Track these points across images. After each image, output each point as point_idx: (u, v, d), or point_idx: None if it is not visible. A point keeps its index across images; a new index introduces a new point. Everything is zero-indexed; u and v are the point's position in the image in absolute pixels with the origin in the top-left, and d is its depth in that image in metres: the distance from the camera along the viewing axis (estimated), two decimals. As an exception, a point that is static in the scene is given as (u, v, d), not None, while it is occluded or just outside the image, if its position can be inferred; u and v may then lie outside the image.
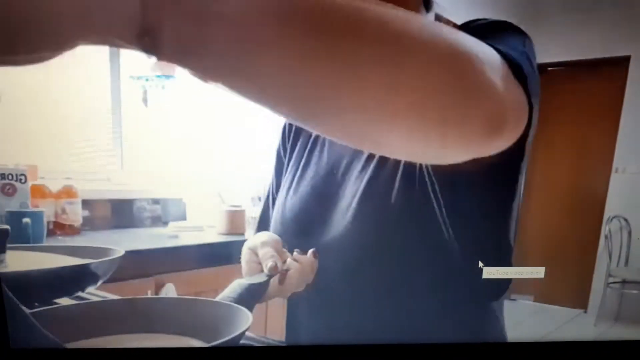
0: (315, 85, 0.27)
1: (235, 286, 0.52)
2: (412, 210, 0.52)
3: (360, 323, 0.57)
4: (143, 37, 0.24)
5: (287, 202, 0.61)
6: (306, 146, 0.64)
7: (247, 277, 0.54)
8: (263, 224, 0.72)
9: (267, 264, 0.51)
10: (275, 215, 0.62)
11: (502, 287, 0.54)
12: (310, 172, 0.61)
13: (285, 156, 0.67)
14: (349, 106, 0.27)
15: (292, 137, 0.67)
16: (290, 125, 0.68)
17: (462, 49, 0.30)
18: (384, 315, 0.57)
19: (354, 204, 0.55)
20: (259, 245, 0.54)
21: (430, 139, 0.31)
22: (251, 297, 0.50)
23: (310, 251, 0.53)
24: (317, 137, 0.63)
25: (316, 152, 0.63)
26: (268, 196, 0.71)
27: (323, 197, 0.58)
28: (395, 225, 0.54)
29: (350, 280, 0.56)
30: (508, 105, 0.32)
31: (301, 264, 0.52)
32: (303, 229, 0.58)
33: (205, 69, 0.26)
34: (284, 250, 0.54)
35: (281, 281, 0.51)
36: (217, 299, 0.52)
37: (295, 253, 0.53)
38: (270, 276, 0.50)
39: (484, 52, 0.32)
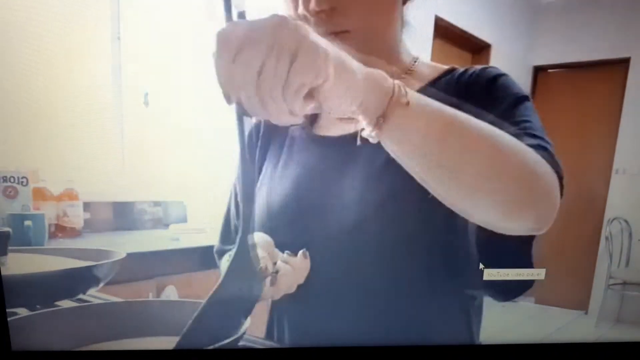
0: (451, 187, 0.42)
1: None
2: (410, 208, 0.52)
3: (350, 323, 0.57)
4: (379, 119, 0.39)
5: (271, 199, 0.60)
6: (283, 144, 0.64)
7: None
8: (227, 231, 0.71)
9: (257, 267, 0.51)
10: (256, 215, 0.62)
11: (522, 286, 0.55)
12: (294, 169, 0.61)
13: (253, 158, 0.67)
14: (473, 201, 0.43)
15: (261, 138, 0.66)
16: (258, 128, 0.67)
17: (534, 174, 0.43)
18: (375, 316, 0.57)
19: (349, 200, 0.55)
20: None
21: (505, 227, 0.45)
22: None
23: (300, 252, 0.53)
24: (296, 134, 0.63)
25: (297, 149, 0.62)
26: (230, 202, 0.70)
27: (313, 192, 0.58)
28: (390, 223, 0.54)
29: (343, 277, 0.55)
30: (556, 206, 0.45)
31: (292, 265, 0.52)
32: (291, 225, 0.57)
33: (399, 148, 0.41)
34: (276, 251, 0.54)
35: (272, 283, 0.51)
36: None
37: (285, 254, 0.53)
38: (260, 278, 0.51)
39: (545, 171, 0.44)
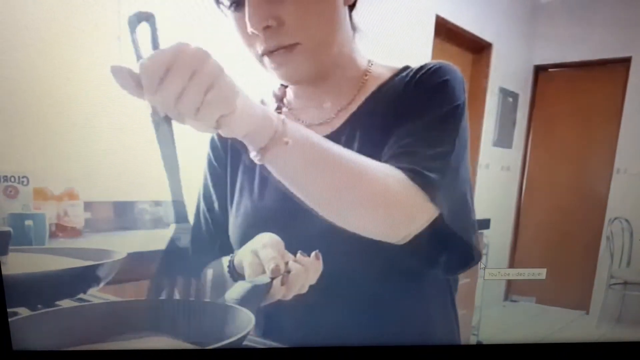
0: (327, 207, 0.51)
1: (238, 288, 0.52)
2: None
3: (347, 323, 0.58)
4: (261, 150, 0.47)
5: (256, 209, 0.61)
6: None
7: (249, 279, 0.54)
8: (197, 241, 0.69)
9: (270, 266, 0.51)
10: (241, 222, 0.62)
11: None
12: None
13: (225, 167, 0.67)
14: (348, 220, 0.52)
15: (230, 148, 0.67)
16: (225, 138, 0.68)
17: (394, 199, 0.51)
18: (370, 315, 0.57)
19: None
20: (260, 247, 0.54)
21: (381, 234, 0.53)
22: (254, 298, 0.50)
23: (313, 253, 0.53)
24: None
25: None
26: (200, 215, 0.70)
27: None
28: None
29: (336, 278, 0.56)
30: (417, 215, 0.53)
31: (304, 266, 0.52)
32: (283, 229, 0.57)
33: (279, 175, 0.49)
34: (286, 252, 0.54)
35: (284, 283, 0.51)
36: (220, 300, 0.52)
37: (298, 255, 0.54)
38: (272, 278, 0.51)
39: (406, 193, 0.51)
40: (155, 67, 0.39)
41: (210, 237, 0.70)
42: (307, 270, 0.52)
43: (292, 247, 0.54)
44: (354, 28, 0.61)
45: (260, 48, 0.55)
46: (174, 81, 0.39)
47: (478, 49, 2.34)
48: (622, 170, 2.46)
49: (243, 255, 0.56)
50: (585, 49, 2.44)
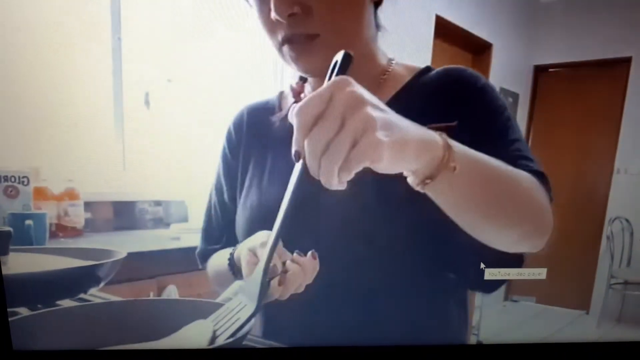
0: (480, 224, 0.49)
1: (236, 287, 0.52)
2: (405, 208, 0.53)
3: (350, 323, 0.57)
4: (426, 179, 0.43)
5: (263, 198, 0.61)
6: (269, 145, 0.64)
7: (246, 278, 0.53)
8: (209, 232, 0.71)
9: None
10: (248, 214, 0.62)
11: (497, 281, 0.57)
12: (284, 167, 0.61)
13: (237, 159, 0.67)
14: (496, 235, 0.50)
15: (245, 140, 0.67)
16: (239, 129, 0.68)
17: (542, 205, 0.50)
18: (373, 315, 0.57)
19: (343, 199, 0.55)
20: (258, 246, 0.54)
21: (514, 249, 0.53)
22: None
23: (310, 252, 0.53)
24: (284, 128, 0.63)
25: (285, 146, 0.62)
26: (211, 203, 0.71)
27: (318, 192, 0.58)
28: (387, 222, 0.54)
29: (340, 276, 0.56)
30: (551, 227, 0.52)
31: (301, 265, 0.52)
32: (305, 225, 0.57)
33: (441, 200, 0.46)
34: (284, 250, 0.54)
35: (281, 282, 0.51)
36: (218, 300, 0.52)
37: (295, 254, 0.53)
38: (270, 278, 0.50)
39: (544, 198, 0.51)
40: (307, 115, 0.37)
41: (219, 228, 0.70)
42: (304, 270, 0.52)
43: (297, 244, 0.54)
44: (377, 26, 0.60)
45: (281, 35, 0.54)
46: (321, 134, 0.36)
47: (478, 49, 2.34)
48: (622, 170, 2.46)
49: (241, 252, 0.56)
50: (585, 49, 2.44)
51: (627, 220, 2.45)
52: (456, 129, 0.50)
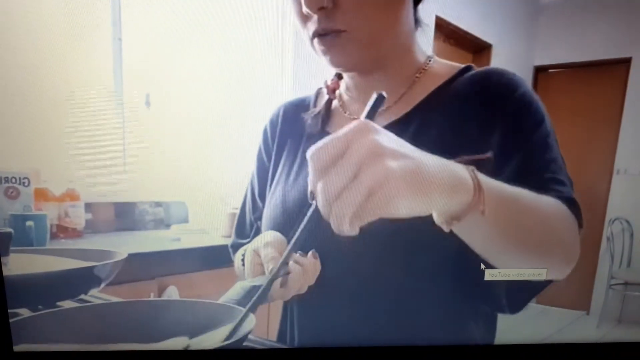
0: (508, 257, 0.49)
1: (238, 288, 0.52)
2: (433, 236, 0.52)
3: (367, 322, 0.57)
4: (452, 220, 0.42)
5: (286, 195, 0.61)
6: (300, 143, 0.64)
7: (249, 279, 0.53)
8: (241, 226, 0.72)
9: (269, 267, 0.51)
10: (271, 212, 0.62)
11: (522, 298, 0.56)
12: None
13: (270, 157, 0.67)
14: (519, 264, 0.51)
15: (278, 137, 0.67)
16: (274, 126, 0.68)
17: (569, 238, 0.50)
18: (391, 316, 0.57)
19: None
20: (261, 247, 0.54)
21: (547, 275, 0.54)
22: (252, 299, 0.50)
23: (310, 252, 0.53)
24: (312, 133, 0.63)
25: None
26: (246, 197, 0.71)
27: None
28: (401, 225, 0.54)
29: (358, 275, 0.55)
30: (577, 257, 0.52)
31: (303, 266, 0.52)
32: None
33: (466, 237, 0.45)
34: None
35: (283, 284, 0.51)
36: (220, 301, 0.52)
37: (297, 255, 0.53)
38: (272, 279, 0.50)
39: (574, 229, 0.50)
40: (322, 158, 0.36)
41: (249, 224, 0.71)
42: (306, 271, 0.52)
43: (317, 247, 0.54)
44: (417, 22, 0.58)
45: (311, 29, 0.53)
46: (335, 180, 0.35)
47: (478, 50, 2.34)
48: (622, 170, 2.46)
49: (247, 251, 0.56)
50: (585, 49, 2.44)
51: (627, 221, 2.45)
52: (491, 161, 0.48)
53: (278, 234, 0.55)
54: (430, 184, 0.37)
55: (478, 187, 0.40)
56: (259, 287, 0.50)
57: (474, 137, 0.52)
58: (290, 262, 0.52)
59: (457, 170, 0.41)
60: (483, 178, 0.42)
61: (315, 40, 0.53)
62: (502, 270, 0.54)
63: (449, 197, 0.40)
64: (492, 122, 0.52)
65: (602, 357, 0.58)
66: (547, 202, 0.48)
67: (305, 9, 0.51)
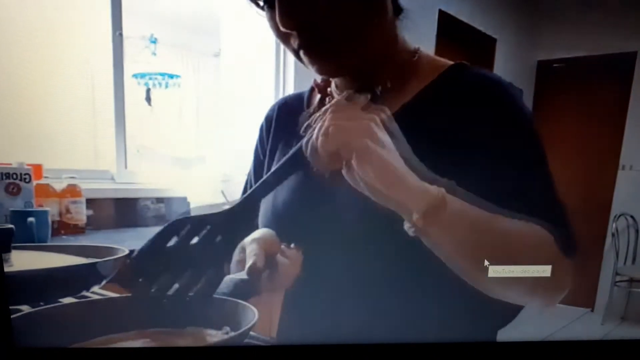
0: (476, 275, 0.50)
1: (228, 281, 0.53)
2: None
3: (360, 319, 0.57)
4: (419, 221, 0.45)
5: (277, 192, 0.60)
6: (293, 139, 0.63)
7: (235, 273, 0.54)
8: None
9: (248, 263, 0.51)
10: (263, 209, 0.62)
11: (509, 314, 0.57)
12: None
13: (265, 153, 0.67)
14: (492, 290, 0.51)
15: (272, 134, 0.66)
16: (270, 123, 0.67)
17: (548, 266, 0.50)
18: (385, 312, 0.56)
19: (355, 198, 0.54)
20: (248, 242, 0.54)
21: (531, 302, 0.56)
22: (240, 292, 0.51)
23: (292, 246, 0.53)
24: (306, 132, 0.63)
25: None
26: (244, 193, 0.71)
27: (319, 190, 0.57)
28: (396, 221, 0.53)
29: (349, 274, 0.55)
30: (564, 287, 0.52)
31: (289, 259, 0.52)
32: (296, 219, 0.57)
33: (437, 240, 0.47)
34: (278, 245, 0.54)
35: (269, 277, 0.51)
36: (215, 295, 0.53)
37: (283, 247, 0.54)
38: (250, 274, 0.51)
39: (554, 257, 0.50)
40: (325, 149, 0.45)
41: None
42: (293, 264, 0.52)
43: (319, 245, 0.54)
44: (396, 10, 0.55)
45: (294, 44, 0.52)
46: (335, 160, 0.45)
47: (482, 44, 2.32)
48: (627, 166, 2.44)
49: (238, 246, 0.56)
50: (589, 44, 2.41)
51: (632, 217, 2.44)
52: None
53: (269, 231, 0.55)
54: (398, 173, 0.44)
55: (442, 197, 0.45)
56: (242, 281, 0.51)
57: (460, 153, 0.51)
58: (278, 256, 0.52)
59: (428, 185, 0.46)
60: (450, 197, 0.46)
61: (302, 52, 0.53)
62: (505, 267, 0.53)
63: (412, 193, 0.45)
64: (477, 133, 0.51)
65: (606, 354, 0.58)
66: (524, 229, 0.48)
67: (282, 28, 0.50)
